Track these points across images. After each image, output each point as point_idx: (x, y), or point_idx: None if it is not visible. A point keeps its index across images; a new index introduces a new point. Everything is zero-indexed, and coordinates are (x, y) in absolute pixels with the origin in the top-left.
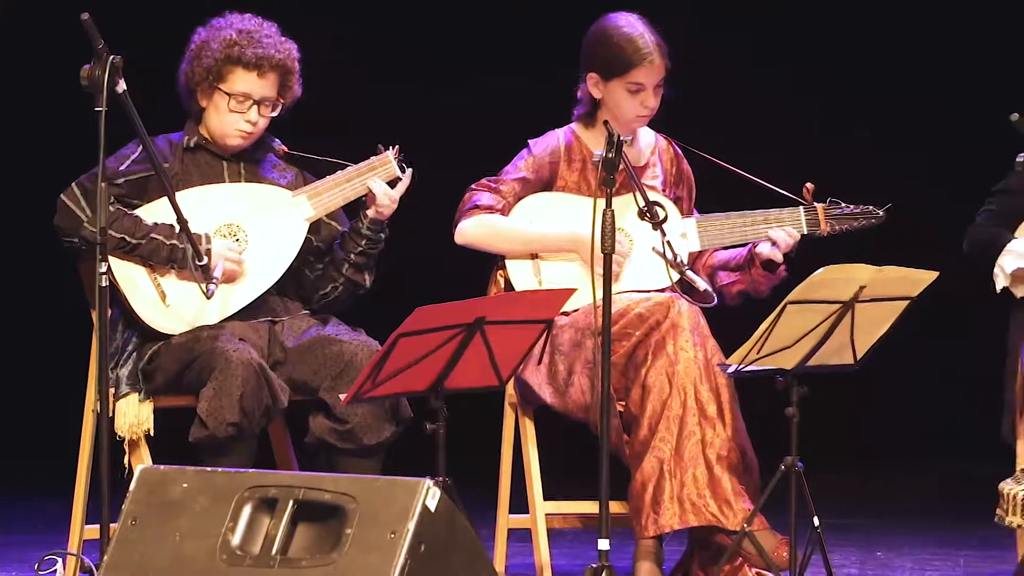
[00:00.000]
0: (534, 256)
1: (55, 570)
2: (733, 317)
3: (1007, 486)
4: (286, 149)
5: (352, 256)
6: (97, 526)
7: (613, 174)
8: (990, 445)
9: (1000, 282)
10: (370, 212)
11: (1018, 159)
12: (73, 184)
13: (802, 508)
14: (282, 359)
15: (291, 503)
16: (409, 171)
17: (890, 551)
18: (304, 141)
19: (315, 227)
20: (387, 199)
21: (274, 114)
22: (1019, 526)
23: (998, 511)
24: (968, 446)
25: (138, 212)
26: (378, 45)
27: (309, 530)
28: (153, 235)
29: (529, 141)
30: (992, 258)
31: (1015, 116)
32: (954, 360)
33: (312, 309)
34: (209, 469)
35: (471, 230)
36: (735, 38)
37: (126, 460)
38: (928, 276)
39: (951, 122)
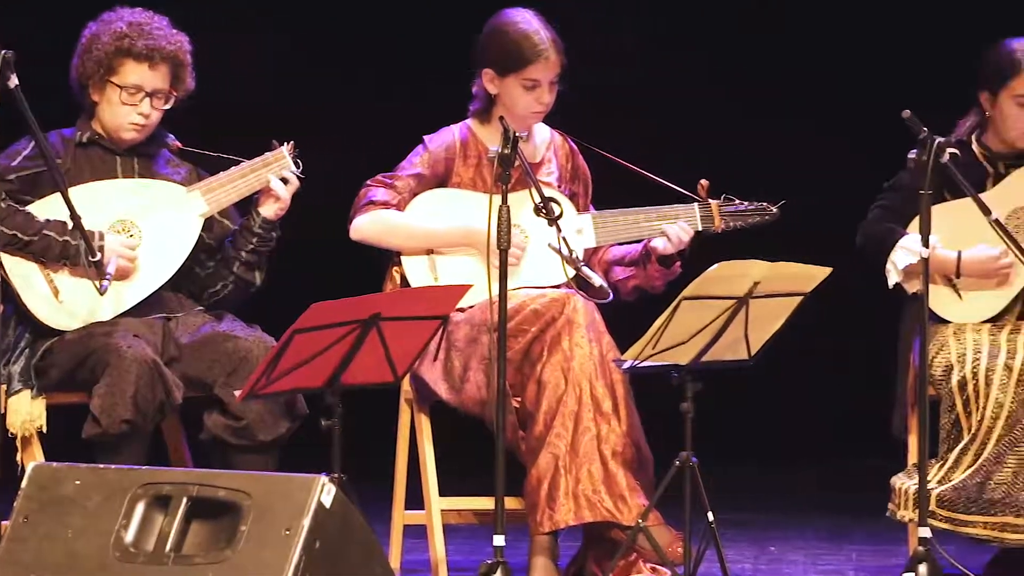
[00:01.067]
0: (430, 252)
1: None
2: (628, 313)
3: (899, 480)
4: (180, 145)
5: (243, 254)
6: None
7: (509, 170)
8: (883, 440)
9: (893, 278)
10: (263, 211)
11: (910, 155)
12: None
13: (696, 503)
14: (176, 355)
15: (185, 500)
16: (294, 176)
17: (783, 545)
18: (204, 138)
19: (208, 224)
20: (283, 197)
21: (167, 107)
22: (911, 520)
23: (890, 505)
24: (861, 441)
25: (30, 208)
26: (278, 44)
27: (203, 527)
28: (46, 231)
29: (424, 137)
30: (885, 254)
31: (907, 113)
32: (847, 355)
33: (204, 306)
34: (102, 466)
35: (366, 226)
36: (632, 33)
37: (18, 457)
38: (821, 272)
39: (844, 118)
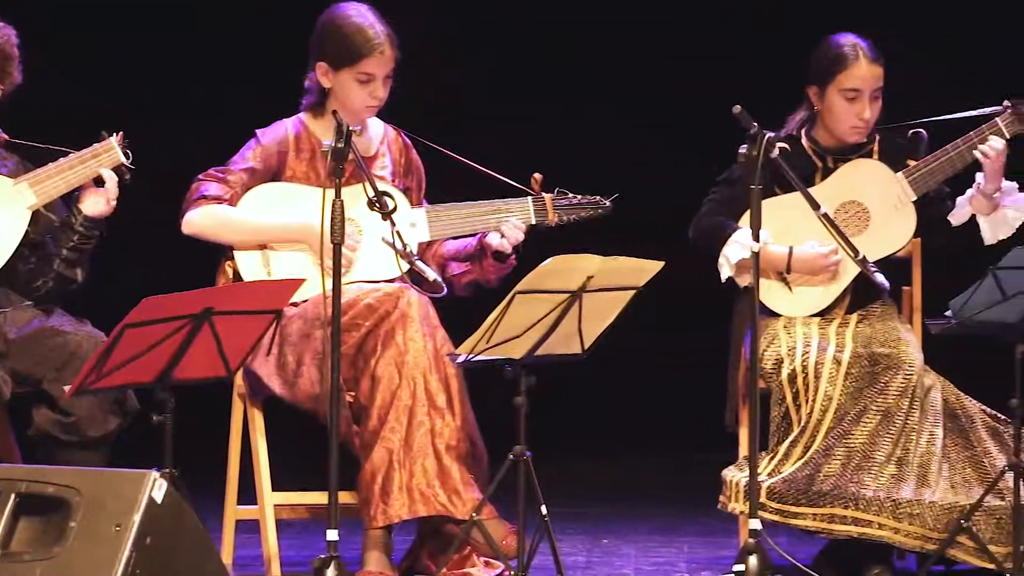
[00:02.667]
0: (263, 247)
1: None
2: (463, 307)
3: (730, 473)
4: (7, 137)
5: (64, 251)
6: None
7: (342, 164)
8: (715, 433)
9: (725, 271)
10: (85, 208)
11: (741, 150)
12: None
13: (530, 497)
14: (4, 351)
15: (13, 496)
16: (115, 178)
17: (616, 538)
18: (34, 130)
19: (33, 218)
20: (111, 190)
21: None
22: (741, 512)
23: (721, 498)
24: (693, 433)
25: None
26: (108, 37)
27: (32, 523)
28: None
29: (257, 131)
30: (717, 248)
31: (737, 108)
32: (680, 349)
33: (30, 301)
34: None
35: (198, 220)
36: (465, 26)
37: None
38: (654, 266)
39: (676, 113)
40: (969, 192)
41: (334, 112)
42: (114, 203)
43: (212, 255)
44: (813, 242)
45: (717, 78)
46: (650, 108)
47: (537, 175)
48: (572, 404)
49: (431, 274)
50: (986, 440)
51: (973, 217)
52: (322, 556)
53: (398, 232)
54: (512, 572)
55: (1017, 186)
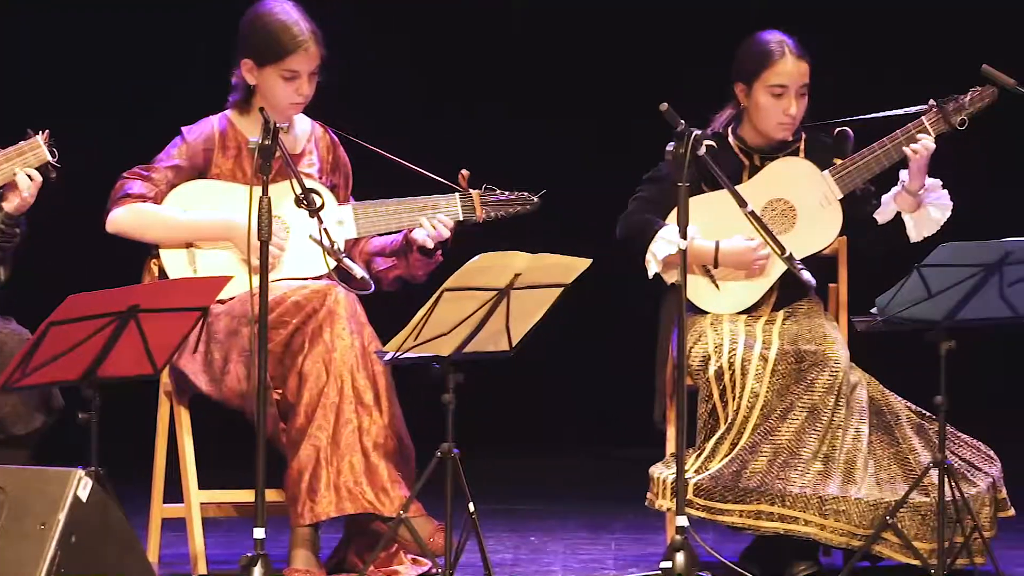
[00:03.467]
0: (188, 245)
1: None
2: (390, 304)
3: (657, 470)
4: None
5: None
6: None
7: (269, 161)
8: (642, 430)
9: (653, 268)
10: (6, 205)
11: (668, 148)
12: None
13: (458, 494)
14: None
15: None
16: (36, 181)
17: (544, 535)
18: None
19: None
20: (28, 192)
21: None
22: (668, 509)
23: (648, 495)
24: (620, 431)
25: None
26: (35, 29)
27: None
28: None
29: (183, 128)
30: (645, 245)
31: (664, 106)
32: (608, 345)
33: None
34: None
35: (122, 218)
36: (392, 24)
37: None
38: (581, 263)
39: (604, 110)
40: (894, 190)
41: (260, 109)
42: (30, 197)
43: (138, 253)
44: (740, 236)
45: (644, 76)
46: (577, 105)
47: (464, 171)
48: (500, 401)
49: (359, 271)
50: (911, 437)
51: (898, 215)
52: (249, 554)
53: (325, 229)
54: (439, 570)
55: (940, 183)
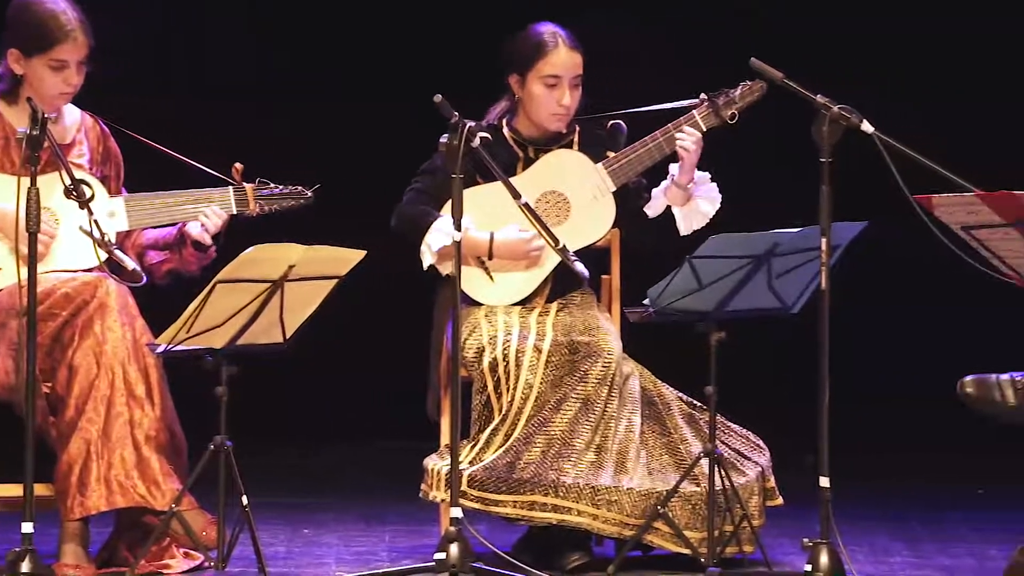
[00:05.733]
0: None
1: None
2: (163, 296)
3: (431, 462)
4: None
5: None
6: None
7: (38, 151)
8: (417, 421)
9: (427, 259)
10: None
11: (442, 139)
12: None
13: (231, 487)
14: None
15: None
16: None
17: (318, 528)
18: None
19: None
20: None
21: None
22: (442, 500)
23: (423, 487)
24: (395, 422)
25: None
26: None
27: None
28: None
29: None
30: (420, 236)
31: (438, 98)
32: (383, 337)
33: None
34: None
35: None
36: (173, 15)
37: None
38: (355, 255)
39: (377, 101)
40: (664, 184)
41: (28, 99)
42: None
43: None
44: (514, 226)
45: (419, 67)
46: (352, 97)
47: (238, 165)
48: (274, 394)
49: (130, 263)
50: (682, 427)
51: (668, 208)
52: (17, 549)
53: (96, 221)
54: (211, 563)
55: (709, 177)
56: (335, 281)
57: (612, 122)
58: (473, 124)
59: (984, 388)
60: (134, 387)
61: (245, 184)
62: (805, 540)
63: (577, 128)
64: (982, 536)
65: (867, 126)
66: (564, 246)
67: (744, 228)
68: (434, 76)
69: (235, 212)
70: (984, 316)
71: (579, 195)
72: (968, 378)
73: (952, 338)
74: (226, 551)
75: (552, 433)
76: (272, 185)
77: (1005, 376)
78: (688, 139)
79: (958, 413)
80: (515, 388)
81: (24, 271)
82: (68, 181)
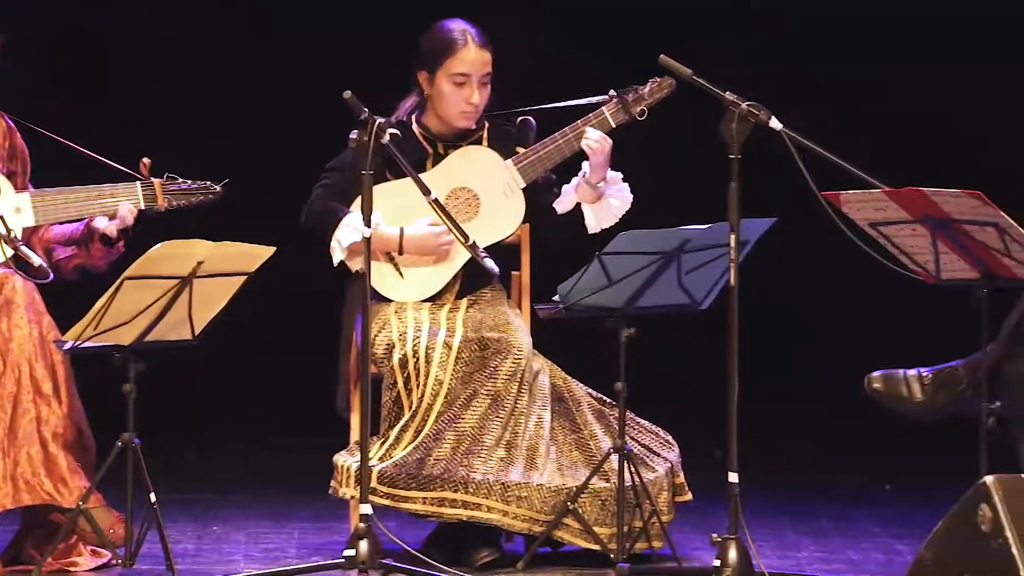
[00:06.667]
0: None
1: None
2: (70, 293)
3: (341, 458)
4: None
5: None
6: None
7: None
8: (326, 418)
9: (337, 255)
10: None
11: (351, 136)
12: None
13: (139, 484)
14: None
15: None
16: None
17: (227, 525)
18: None
19: None
20: None
21: None
22: (352, 497)
23: (332, 483)
24: (305, 419)
25: None
26: None
27: None
28: None
29: None
30: (329, 232)
31: (348, 94)
32: (293, 334)
33: None
34: None
35: None
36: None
37: None
38: (265, 251)
39: (289, 99)
40: (575, 181)
41: None
42: None
43: None
44: (424, 220)
45: (327, 63)
46: (259, 93)
47: (146, 160)
48: (182, 391)
49: (36, 260)
50: (592, 423)
51: (579, 205)
52: None
53: (1, 217)
54: (119, 561)
55: (621, 176)
56: (244, 277)
57: (521, 118)
58: (383, 120)
59: (892, 384)
60: (41, 384)
61: (153, 179)
62: (714, 535)
63: (487, 124)
64: (889, 532)
65: (775, 123)
66: (474, 242)
67: (655, 226)
68: (343, 71)
69: (143, 207)
70: (892, 313)
71: (489, 191)
72: (876, 374)
73: (861, 334)
74: (134, 549)
75: (462, 429)
76: (180, 180)
77: (912, 372)
78: (592, 137)
79: (867, 409)
80: (425, 384)
81: None
82: None
